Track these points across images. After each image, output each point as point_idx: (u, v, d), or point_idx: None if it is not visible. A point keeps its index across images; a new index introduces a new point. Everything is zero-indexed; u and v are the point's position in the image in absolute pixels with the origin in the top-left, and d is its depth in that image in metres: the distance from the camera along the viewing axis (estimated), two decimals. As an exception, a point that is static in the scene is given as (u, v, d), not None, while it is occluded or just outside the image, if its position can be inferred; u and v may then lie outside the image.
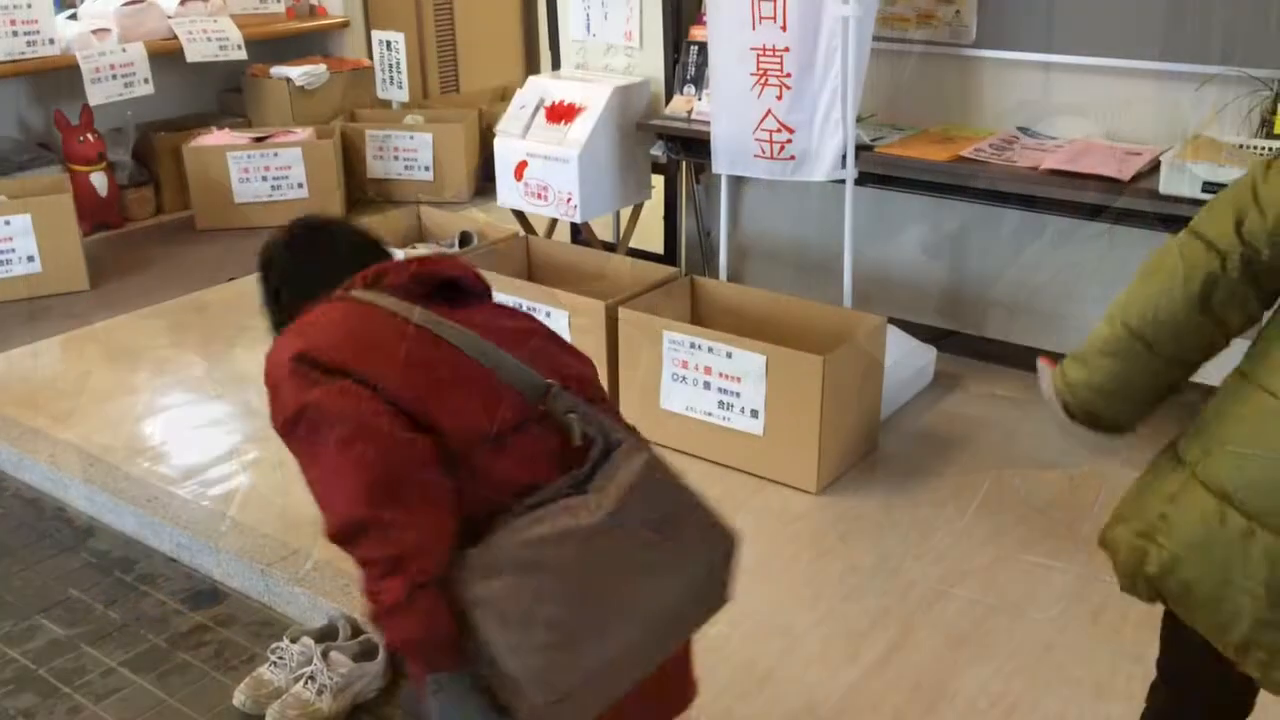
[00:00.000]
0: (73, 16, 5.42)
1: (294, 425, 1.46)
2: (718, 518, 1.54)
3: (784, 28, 3.32)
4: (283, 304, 1.70)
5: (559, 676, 1.39)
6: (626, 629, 1.44)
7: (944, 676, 2.38)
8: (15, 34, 4.95)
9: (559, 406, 1.52)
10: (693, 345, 3.13)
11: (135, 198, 5.47)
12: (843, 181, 3.41)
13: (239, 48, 5.57)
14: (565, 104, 4.03)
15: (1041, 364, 1.70)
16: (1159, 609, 2.59)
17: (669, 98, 4.07)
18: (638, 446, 1.50)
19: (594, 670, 1.41)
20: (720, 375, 3.09)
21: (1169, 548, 1.51)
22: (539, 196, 4.07)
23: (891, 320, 3.33)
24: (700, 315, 3.53)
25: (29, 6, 4.98)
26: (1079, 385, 1.61)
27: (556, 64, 4.45)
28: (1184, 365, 1.54)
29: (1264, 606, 1.43)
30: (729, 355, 3.06)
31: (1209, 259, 1.47)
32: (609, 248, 4.29)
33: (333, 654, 2.42)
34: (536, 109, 4.08)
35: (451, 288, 1.65)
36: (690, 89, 3.97)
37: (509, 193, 4.16)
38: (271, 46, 5.91)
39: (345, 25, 6.20)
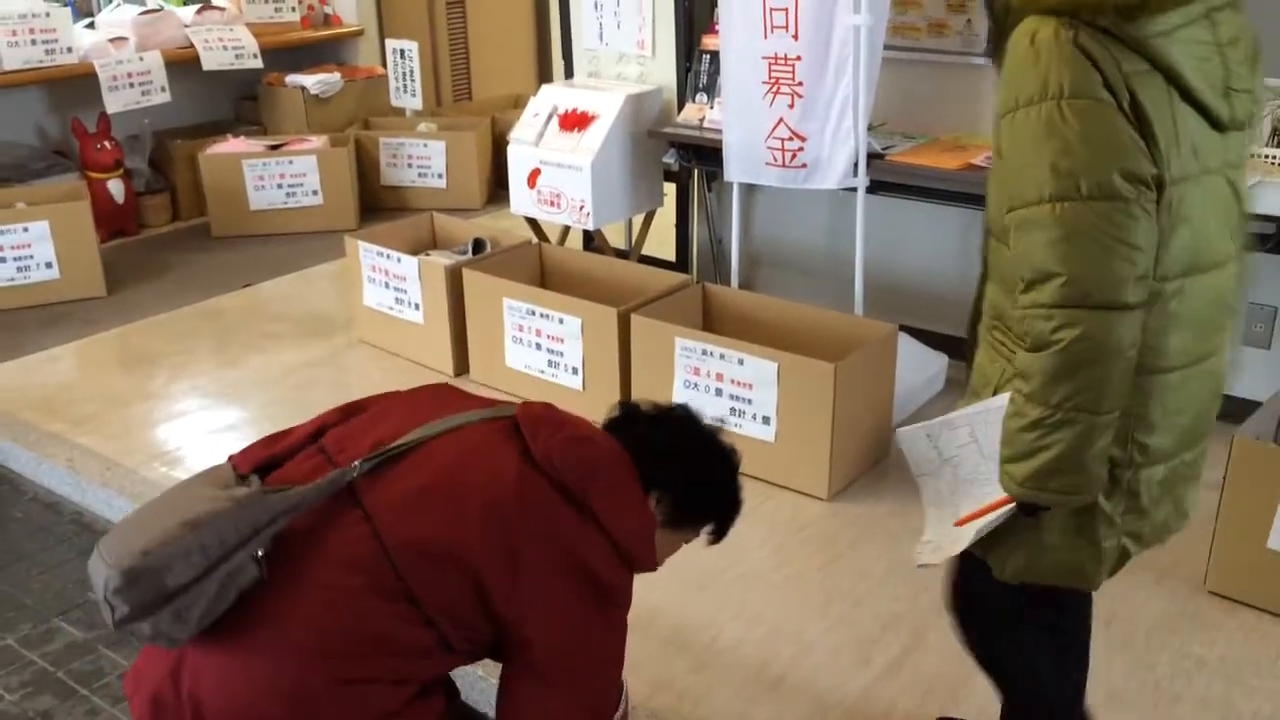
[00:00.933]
0: (90, 25, 5.48)
1: None
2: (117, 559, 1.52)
3: (796, 37, 3.34)
4: None
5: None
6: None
7: (955, 682, 2.39)
8: (34, 43, 5.00)
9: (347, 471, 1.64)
10: (704, 352, 3.14)
11: (151, 205, 5.52)
12: (854, 190, 3.43)
13: (254, 56, 5.62)
14: (578, 112, 4.06)
15: (971, 524, 1.66)
16: (1164, 617, 2.59)
17: (681, 106, 4.09)
18: (248, 496, 1.59)
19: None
20: (732, 382, 3.11)
21: (1146, 525, 1.65)
22: (552, 204, 4.10)
23: (902, 327, 3.34)
24: (712, 322, 3.55)
25: (47, 15, 5.05)
26: (1082, 484, 1.54)
27: (569, 72, 4.48)
28: None
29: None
30: (740, 362, 3.08)
31: (1132, 324, 1.44)
32: (621, 255, 4.31)
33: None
34: (549, 117, 4.10)
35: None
36: (702, 97, 3.99)
37: (522, 200, 4.19)
38: (287, 55, 5.97)
39: (359, 34, 6.25)
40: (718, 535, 1.87)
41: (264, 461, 1.73)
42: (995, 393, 1.63)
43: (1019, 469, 1.54)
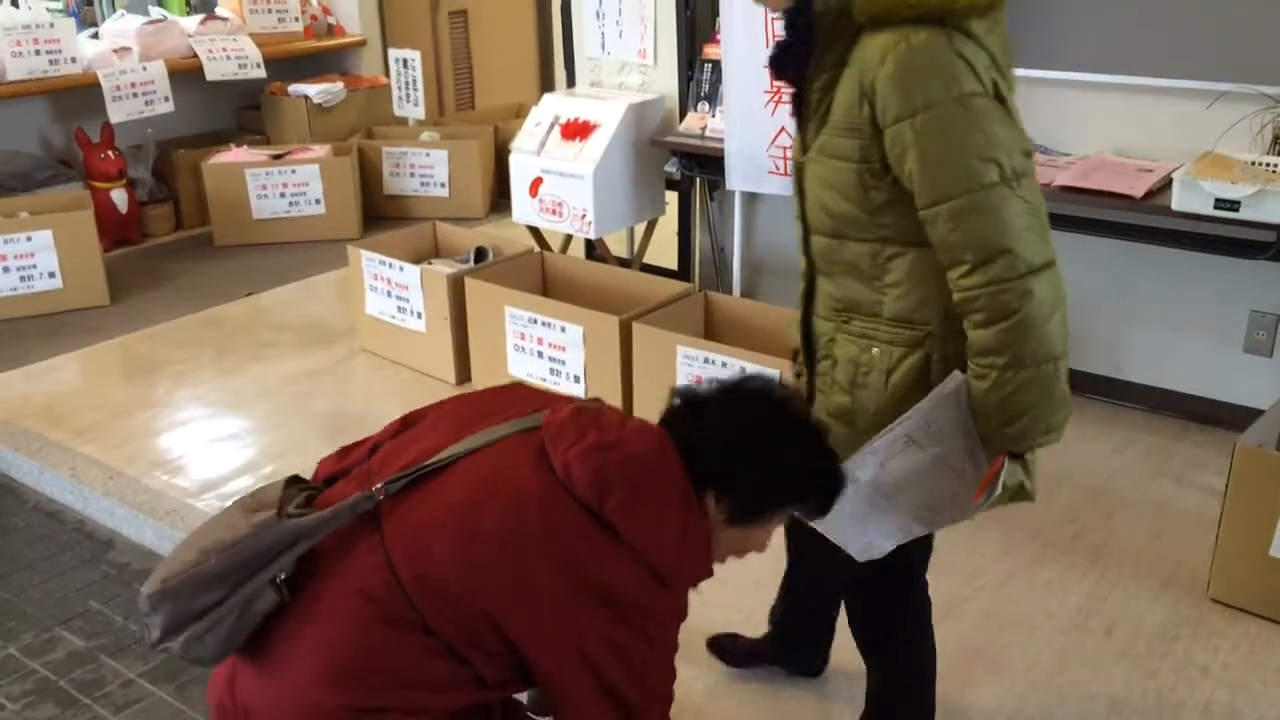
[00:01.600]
0: (94, 35, 5.50)
1: None
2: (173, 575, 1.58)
3: (797, 46, 3.34)
4: None
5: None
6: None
7: (958, 691, 2.38)
8: (38, 53, 5.02)
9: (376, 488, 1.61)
10: (706, 360, 3.14)
11: (155, 214, 5.53)
12: (856, 198, 3.43)
13: (258, 66, 5.64)
14: (580, 121, 4.07)
15: (981, 497, 1.76)
16: (1167, 625, 2.59)
17: (683, 115, 4.10)
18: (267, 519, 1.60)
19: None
20: (734, 390, 3.11)
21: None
22: (554, 213, 4.11)
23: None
24: (713, 330, 3.55)
25: (51, 26, 5.07)
26: (1066, 414, 1.70)
27: (571, 81, 4.49)
28: None
29: None
30: (742, 370, 3.08)
31: (1059, 274, 1.65)
32: (623, 263, 4.31)
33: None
34: (551, 126, 4.11)
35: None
36: (704, 106, 4.00)
37: (524, 209, 4.20)
38: (290, 65, 5.98)
39: (363, 44, 6.27)
40: (818, 511, 1.66)
41: (334, 474, 1.75)
42: (889, 377, 1.74)
43: (1014, 428, 1.68)
